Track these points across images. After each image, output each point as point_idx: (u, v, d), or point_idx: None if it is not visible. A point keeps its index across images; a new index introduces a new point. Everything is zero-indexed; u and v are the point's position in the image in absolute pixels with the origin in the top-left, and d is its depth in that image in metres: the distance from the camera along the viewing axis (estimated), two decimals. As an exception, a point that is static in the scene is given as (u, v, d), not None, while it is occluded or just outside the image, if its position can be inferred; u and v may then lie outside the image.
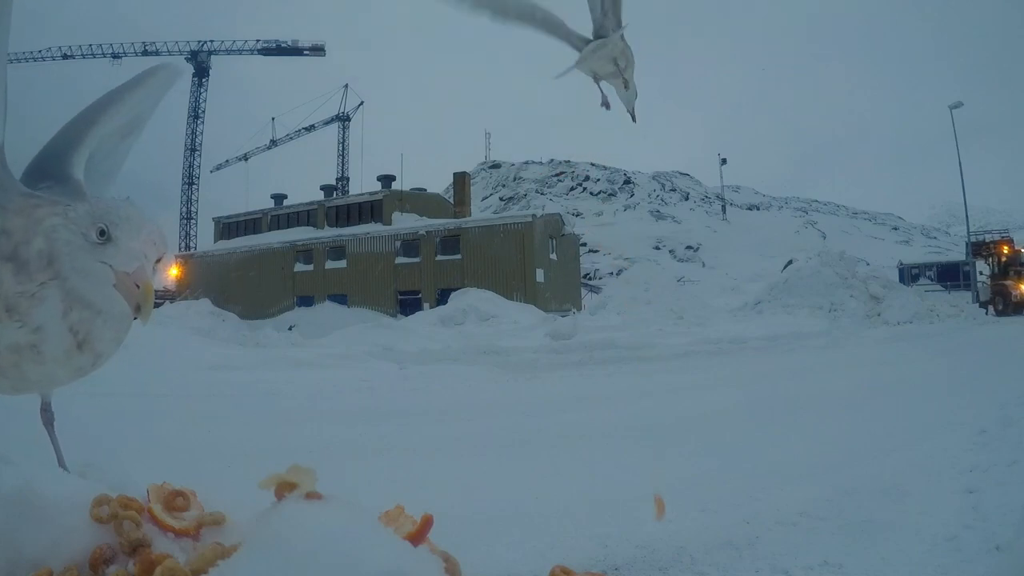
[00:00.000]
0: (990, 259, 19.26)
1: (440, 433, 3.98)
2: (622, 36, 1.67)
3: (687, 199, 73.23)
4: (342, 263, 28.33)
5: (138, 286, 0.87)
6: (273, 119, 45.76)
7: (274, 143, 45.77)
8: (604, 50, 1.67)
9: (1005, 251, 18.85)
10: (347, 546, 0.51)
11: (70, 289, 0.85)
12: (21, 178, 0.99)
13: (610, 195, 73.00)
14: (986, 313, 16.69)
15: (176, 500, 0.69)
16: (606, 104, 1.81)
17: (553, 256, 27.15)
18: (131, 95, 1.23)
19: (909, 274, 33.31)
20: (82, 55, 43.82)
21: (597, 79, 1.74)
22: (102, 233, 0.86)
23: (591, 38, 1.69)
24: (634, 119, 1.84)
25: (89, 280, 0.86)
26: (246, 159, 46.12)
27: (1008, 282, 17.59)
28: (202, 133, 44.54)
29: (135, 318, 0.89)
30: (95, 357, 0.90)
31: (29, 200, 0.91)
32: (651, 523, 2.13)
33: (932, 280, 32.20)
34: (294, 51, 44.14)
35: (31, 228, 0.86)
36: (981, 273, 20.15)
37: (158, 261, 0.91)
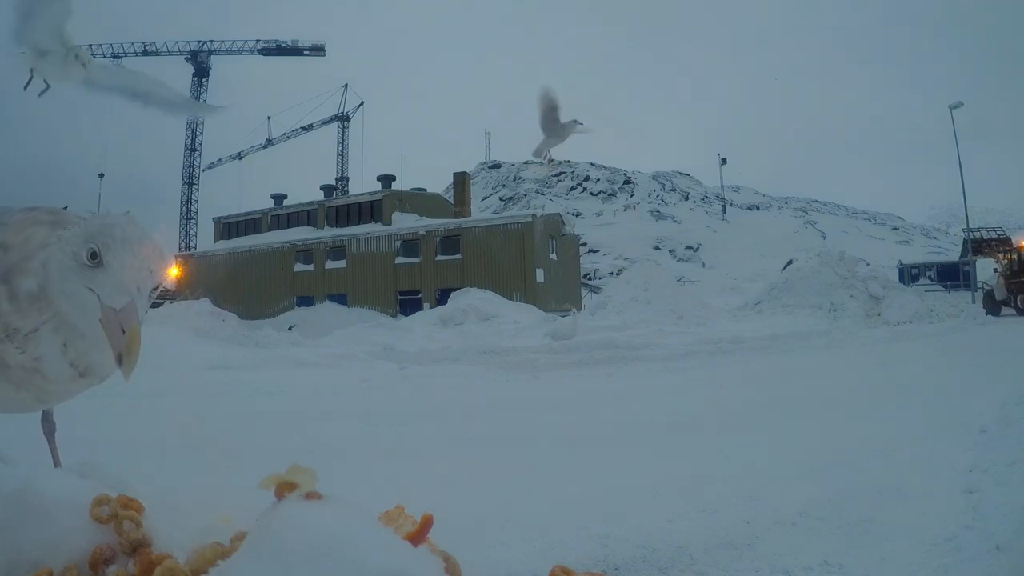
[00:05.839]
0: (1006, 256, 18.16)
1: (440, 433, 3.98)
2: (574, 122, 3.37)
3: (687, 199, 73.25)
4: (342, 263, 28.33)
5: (124, 330, 0.75)
6: (269, 118, 45.65)
7: (270, 142, 45.69)
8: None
9: None
10: (347, 546, 0.51)
11: (64, 321, 0.79)
12: None
13: (610, 195, 73.03)
14: (987, 313, 16.08)
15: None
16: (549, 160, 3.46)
17: (553, 256, 27.15)
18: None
19: (909, 274, 33.34)
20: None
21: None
22: (94, 256, 0.75)
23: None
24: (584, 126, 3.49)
25: (76, 308, 0.78)
26: (240, 158, 46.03)
27: None
28: (202, 133, 44.54)
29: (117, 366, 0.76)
30: (101, 379, 0.87)
31: (29, 215, 0.86)
32: (651, 523, 2.13)
33: (932, 280, 32.21)
34: (294, 51, 44.09)
35: (27, 250, 0.81)
36: (994, 271, 19.38)
37: (155, 289, 0.80)
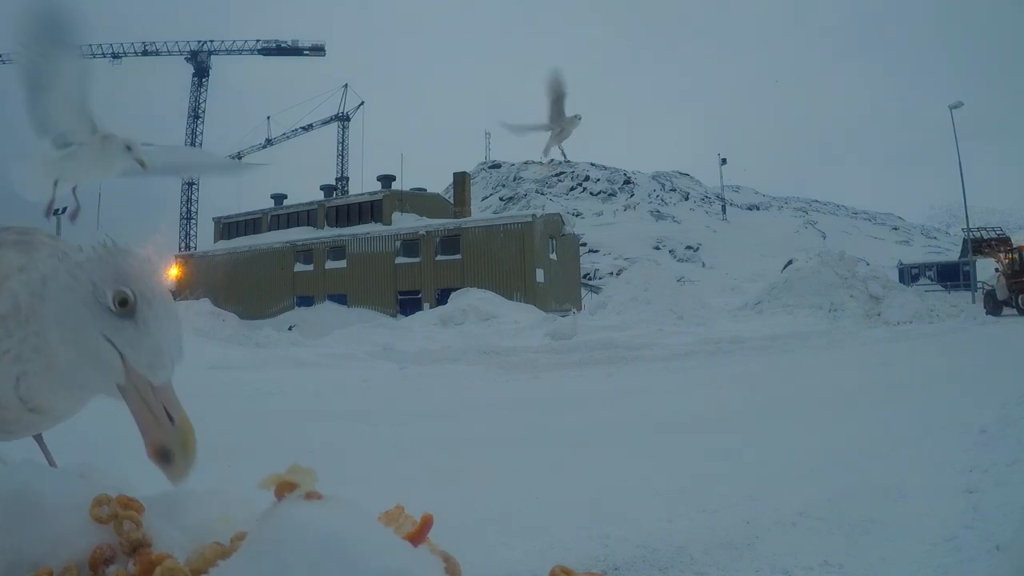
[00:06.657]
0: (1007, 256, 17.77)
1: (440, 433, 3.98)
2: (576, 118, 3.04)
3: (687, 199, 73.27)
4: (342, 263, 28.34)
5: (172, 418, 0.61)
6: (268, 118, 45.59)
7: (269, 142, 45.66)
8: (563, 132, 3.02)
9: None
10: (347, 546, 0.51)
11: (36, 350, 0.67)
12: None
13: (610, 195, 73.06)
14: (988, 313, 15.87)
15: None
16: (561, 155, 3.17)
17: (553, 256, 27.15)
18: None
19: (909, 274, 33.33)
20: (81, 55, 43.69)
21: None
22: (124, 303, 0.61)
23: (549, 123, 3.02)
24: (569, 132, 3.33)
25: (82, 353, 0.64)
26: (239, 158, 45.98)
27: None
28: (202, 133, 44.57)
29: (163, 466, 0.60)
30: (55, 421, 0.79)
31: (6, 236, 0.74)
32: (651, 523, 2.13)
33: (932, 280, 32.21)
34: (294, 51, 44.09)
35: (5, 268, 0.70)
36: (996, 271, 19.16)
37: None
